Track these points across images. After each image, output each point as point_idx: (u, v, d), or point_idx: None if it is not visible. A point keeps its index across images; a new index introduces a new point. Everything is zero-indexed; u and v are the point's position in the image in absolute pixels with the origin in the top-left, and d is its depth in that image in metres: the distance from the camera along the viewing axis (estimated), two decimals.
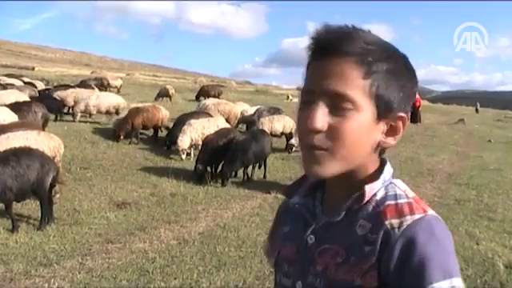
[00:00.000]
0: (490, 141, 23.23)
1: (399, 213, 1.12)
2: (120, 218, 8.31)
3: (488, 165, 15.69)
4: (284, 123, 15.74)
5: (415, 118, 30.66)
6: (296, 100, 40.53)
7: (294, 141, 15.27)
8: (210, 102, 22.00)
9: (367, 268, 1.10)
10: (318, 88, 1.13)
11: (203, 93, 32.38)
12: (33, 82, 26.16)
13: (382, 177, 1.20)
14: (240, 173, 11.92)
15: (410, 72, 1.19)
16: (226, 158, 11.23)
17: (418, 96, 31.59)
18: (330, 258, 1.17)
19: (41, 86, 25.96)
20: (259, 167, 12.22)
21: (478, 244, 7.48)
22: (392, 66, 1.15)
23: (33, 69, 52.64)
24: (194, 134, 13.45)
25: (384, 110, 1.15)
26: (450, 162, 16.34)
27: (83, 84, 26.98)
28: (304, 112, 1.15)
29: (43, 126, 13.21)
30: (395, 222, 1.10)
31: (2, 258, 6.25)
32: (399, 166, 14.25)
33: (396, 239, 1.08)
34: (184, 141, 13.35)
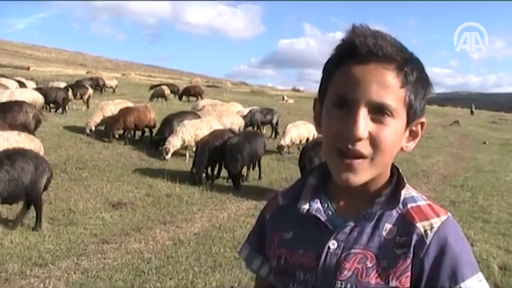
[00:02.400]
0: (484, 143, 23.34)
1: (426, 215, 1.18)
2: (115, 218, 8.30)
3: (483, 166, 15.76)
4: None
5: None
6: (291, 101, 40.57)
7: (283, 142, 15.26)
8: (205, 102, 22.04)
9: (402, 270, 1.13)
10: (360, 96, 1.11)
11: (185, 92, 34.53)
12: (23, 81, 25.91)
13: (405, 181, 1.24)
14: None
15: (428, 79, 1.20)
16: (226, 160, 11.20)
17: None
18: (357, 262, 1.15)
19: (32, 86, 25.81)
20: (253, 168, 12.20)
21: (472, 245, 7.48)
22: (420, 75, 1.16)
23: (28, 68, 52.52)
24: (186, 134, 13.39)
25: (412, 118, 1.18)
26: (445, 163, 16.40)
27: (78, 84, 26.80)
28: (344, 119, 1.12)
29: (35, 126, 13.17)
30: (426, 224, 1.15)
31: None
32: None
33: (430, 241, 1.13)
34: (173, 141, 13.27)
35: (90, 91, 24.65)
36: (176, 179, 11.00)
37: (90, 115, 16.83)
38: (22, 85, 23.27)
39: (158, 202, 9.38)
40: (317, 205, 1.25)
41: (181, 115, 15.55)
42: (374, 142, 1.12)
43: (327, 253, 1.19)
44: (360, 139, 1.10)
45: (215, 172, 11.87)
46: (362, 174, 1.15)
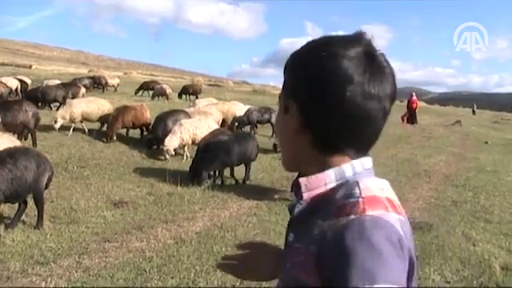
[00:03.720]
0: (486, 142, 23.30)
1: (340, 213, 1.11)
2: (117, 216, 8.30)
3: (485, 166, 15.73)
4: None
5: (412, 119, 30.78)
6: None
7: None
8: (206, 101, 22.03)
9: (311, 268, 1.10)
10: None
11: (184, 91, 34.93)
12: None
13: (329, 172, 1.20)
14: (237, 173, 11.90)
15: (307, 58, 1.24)
16: (205, 157, 11.09)
17: (414, 97, 31.75)
18: (296, 255, 1.17)
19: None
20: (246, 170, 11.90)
21: (474, 245, 7.50)
22: (290, 60, 1.28)
23: (30, 67, 52.56)
24: (185, 134, 13.35)
25: (285, 101, 1.27)
26: (447, 163, 16.38)
27: (70, 83, 26.61)
28: None
29: (35, 125, 13.18)
30: (333, 222, 1.10)
31: None
32: (396, 168, 14.29)
33: (329, 240, 1.08)
34: (172, 141, 13.25)
35: (83, 90, 24.49)
36: (178, 178, 10.99)
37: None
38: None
39: (160, 201, 9.38)
40: (295, 197, 1.29)
41: (173, 114, 15.48)
42: None
43: (286, 244, 1.27)
44: None
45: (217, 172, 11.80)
46: (282, 157, 1.35)
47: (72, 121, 14.98)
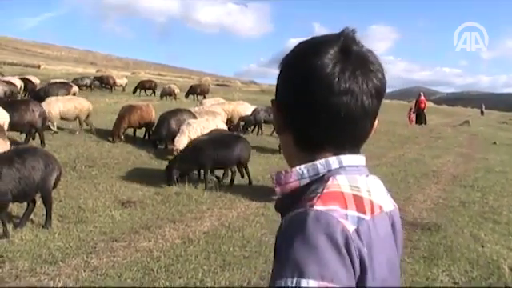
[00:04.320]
0: (495, 143, 23.19)
1: (295, 207, 1.12)
2: (125, 216, 8.33)
3: (493, 167, 15.65)
4: None
5: (420, 119, 30.71)
6: None
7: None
8: (213, 101, 22.02)
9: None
10: None
11: (192, 91, 34.83)
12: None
13: (300, 168, 1.21)
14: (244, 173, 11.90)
15: (295, 57, 1.26)
16: (179, 156, 11.03)
17: (422, 97, 31.67)
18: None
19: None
20: (241, 175, 11.59)
21: (483, 246, 7.47)
22: (283, 60, 1.28)
23: (38, 67, 52.84)
24: (193, 133, 13.31)
25: (274, 101, 1.32)
26: (455, 163, 16.31)
27: (61, 82, 26.53)
28: None
29: (42, 125, 13.23)
30: (286, 217, 1.13)
31: (7, 255, 6.27)
32: (404, 168, 14.25)
33: (278, 233, 1.13)
34: (181, 141, 13.22)
35: (75, 89, 24.32)
36: (185, 178, 11.00)
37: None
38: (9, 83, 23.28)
39: (168, 201, 9.39)
40: None
41: (177, 113, 15.41)
42: None
43: None
44: None
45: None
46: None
47: (50, 120, 14.78)
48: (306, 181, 1.19)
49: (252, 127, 19.15)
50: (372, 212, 1.15)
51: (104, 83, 35.65)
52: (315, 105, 1.17)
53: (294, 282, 0.99)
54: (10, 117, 11.85)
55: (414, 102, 32.67)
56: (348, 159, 1.22)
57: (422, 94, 32.38)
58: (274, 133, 17.94)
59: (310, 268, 1.00)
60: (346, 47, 1.18)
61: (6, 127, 11.31)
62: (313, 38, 1.25)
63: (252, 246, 7.03)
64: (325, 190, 1.12)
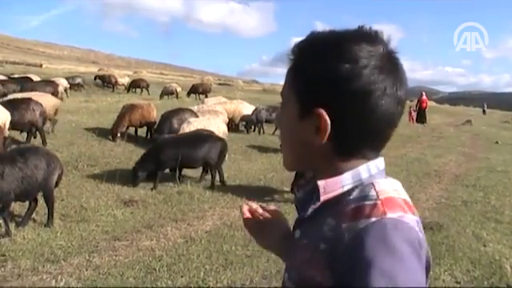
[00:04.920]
0: (497, 142, 23.18)
1: (358, 215, 1.10)
2: (127, 215, 8.33)
3: (495, 166, 15.63)
4: None
5: (421, 118, 30.72)
6: None
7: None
8: (214, 100, 22.03)
9: (322, 266, 1.11)
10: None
11: (193, 90, 35.20)
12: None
13: (347, 174, 1.19)
14: (246, 172, 11.91)
15: (339, 58, 1.16)
16: (143, 156, 10.80)
17: (424, 97, 31.72)
18: (305, 252, 1.18)
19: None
20: (212, 174, 11.00)
21: (485, 246, 7.45)
22: (297, 61, 1.24)
23: (41, 66, 52.86)
24: None
25: (302, 102, 1.21)
26: (457, 163, 16.30)
27: (48, 80, 26.58)
28: None
29: (43, 124, 13.24)
30: (351, 224, 1.09)
31: (9, 254, 6.27)
32: (406, 167, 14.25)
33: (347, 242, 1.07)
34: None
35: (61, 89, 24.44)
36: (187, 177, 10.99)
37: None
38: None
39: (170, 200, 9.39)
40: (305, 195, 1.29)
41: (179, 112, 15.43)
42: None
43: (293, 241, 1.28)
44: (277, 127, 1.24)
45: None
46: (284, 157, 1.34)
47: None
48: (349, 187, 1.19)
49: (253, 126, 19.18)
50: (416, 213, 1.17)
51: (106, 82, 35.76)
52: (369, 109, 1.15)
53: None
54: (11, 116, 11.86)
55: (416, 101, 32.68)
56: (380, 163, 1.24)
57: (423, 93, 32.40)
58: (276, 132, 18.03)
59: (401, 277, 0.99)
60: (392, 52, 1.20)
61: (7, 126, 11.34)
62: (346, 34, 1.22)
63: (254, 245, 7.00)
64: (381, 197, 1.12)
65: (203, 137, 11.32)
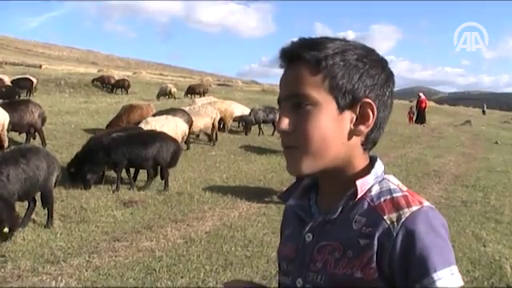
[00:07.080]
0: (496, 142, 23.17)
1: (396, 206, 1.17)
2: (127, 216, 8.33)
3: (495, 166, 15.63)
4: None
5: (421, 118, 30.73)
6: None
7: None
8: (204, 100, 22.03)
9: (366, 261, 1.15)
10: (282, 93, 1.26)
11: (190, 91, 35.53)
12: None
13: (373, 171, 1.25)
14: (246, 173, 11.91)
15: (373, 60, 1.26)
16: (85, 157, 10.16)
17: (423, 97, 31.74)
18: (328, 254, 1.21)
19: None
20: (161, 177, 10.67)
21: (484, 246, 7.45)
22: (347, 57, 1.22)
23: (40, 67, 52.85)
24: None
25: (345, 100, 1.21)
26: (457, 163, 16.30)
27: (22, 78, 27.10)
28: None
29: (42, 125, 13.23)
30: (394, 215, 1.16)
31: (9, 255, 6.27)
32: (406, 167, 14.25)
33: (397, 232, 1.13)
34: None
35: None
36: (187, 177, 10.99)
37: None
38: None
39: (169, 201, 9.40)
40: (301, 201, 1.36)
41: (170, 112, 15.25)
42: (298, 132, 1.21)
43: (303, 245, 1.28)
44: (283, 131, 1.23)
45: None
46: (297, 163, 1.23)
47: None
48: (371, 184, 1.24)
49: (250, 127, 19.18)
50: None
51: (105, 83, 35.83)
52: (390, 107, 1.30)
53: (449, 271, 1.11)
54: (10, 117, 11.85)
55: (415, 102, 32.69)
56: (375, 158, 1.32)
57: (421, 94, 32.41)
58: (275, 132, 18.02)
59: (451, 256, 1.15)
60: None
61: (6, 127, 11.35)
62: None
63: (254, 246, 7.03)
64: (403, 189, 1.23)
65: (153, 136, 10.97)
